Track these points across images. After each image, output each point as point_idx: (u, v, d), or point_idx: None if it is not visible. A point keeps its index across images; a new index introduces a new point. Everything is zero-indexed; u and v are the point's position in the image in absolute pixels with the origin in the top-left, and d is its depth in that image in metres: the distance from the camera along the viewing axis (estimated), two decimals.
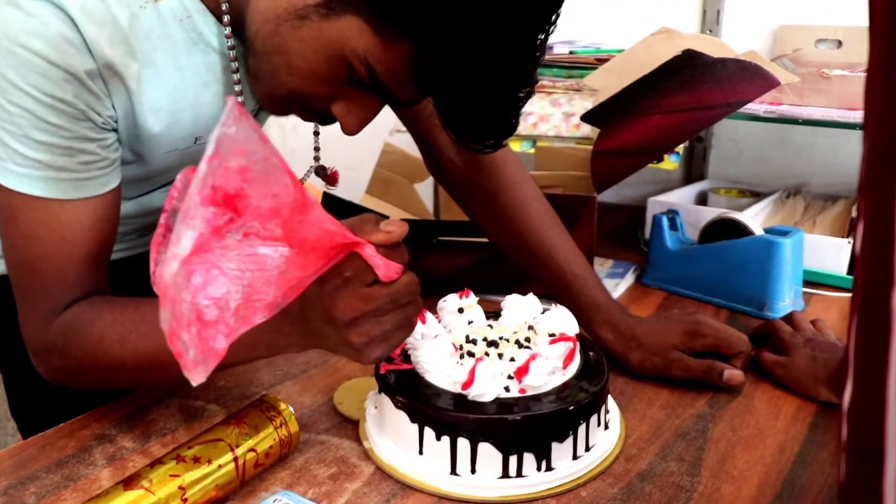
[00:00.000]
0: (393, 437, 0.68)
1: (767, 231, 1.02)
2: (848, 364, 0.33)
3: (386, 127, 1.35)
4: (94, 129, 0.64)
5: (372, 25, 0.60)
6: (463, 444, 0.64)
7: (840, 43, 1.37)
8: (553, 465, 0.65)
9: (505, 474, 0.64)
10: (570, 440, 0.65)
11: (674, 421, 0.75)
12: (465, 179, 0.93)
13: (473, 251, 1.05)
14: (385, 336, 0.59)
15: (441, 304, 0.77)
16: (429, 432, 0.65)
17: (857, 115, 1.15)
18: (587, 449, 0.67)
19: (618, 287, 1.10)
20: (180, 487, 0.58)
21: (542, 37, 0.62)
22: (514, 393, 0.66)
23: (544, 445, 0.64)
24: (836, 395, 0.77)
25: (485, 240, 0.98)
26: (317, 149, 0.85)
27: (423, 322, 0.72)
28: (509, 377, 0.67)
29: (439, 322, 0.74)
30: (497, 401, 0.65)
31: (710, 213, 1.15)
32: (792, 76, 1.08)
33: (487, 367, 0.65)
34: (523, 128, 1.31)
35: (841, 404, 0.33)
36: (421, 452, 0.66)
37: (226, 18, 0.68)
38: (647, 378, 0.83)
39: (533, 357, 0.67)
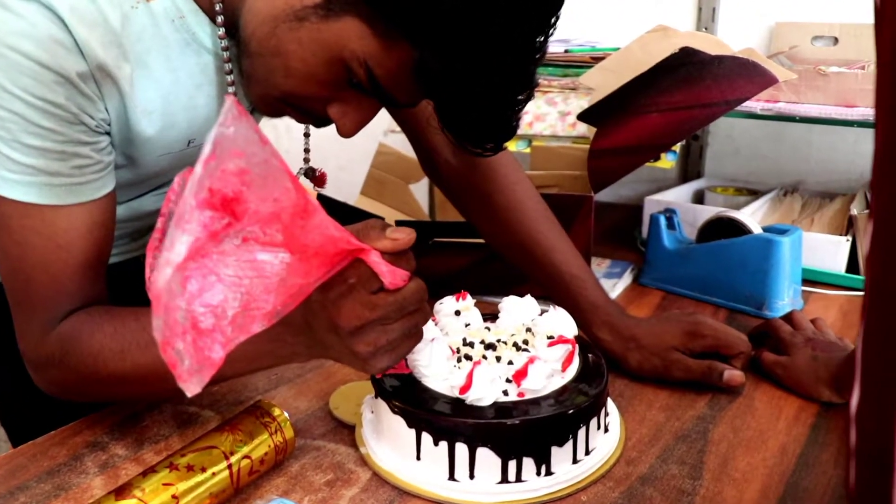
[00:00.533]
0: (390, 442, 0.67)
1: (766, 229, 1.01)
2: (855, 367, 0.32)
3: (380, 127, 1.34)
4: (88, 132, 0.63)
5: (372, 27, 0.59)
6: (461, 449, 0.63)
7: (836, 40, 1.36)
8: (553, 470, 0.64)
9: (504, 479, 0.63)
10: (569, 444, 0.64)
11: (674, 423, 0.75)
12: (461, 180, 0.92)
13: (470, 252, 1.04)
14: (392, 345, 0.57)
15: (438, 306, 0.76)
16: (426, 437, 0.64)
17: (854, 113, 1.15)
18: (587, 453, 0.67)
19: (615, 287, 1.09)
20: (174, 496, 0.57)
21: (542, 38, 0.61)
22: (513, 397, 0.65)
23: (544, 450, 0.63)
24: (838, 395, 0.76)
25: (481, 240, 0.97)
26: (307, 150, 0.84)
27: None
28: (508, 381, 0.66)
29: (436, 325, 0.73)
30: (495, 405, 0.64)
31: (707, 211, 1.15)
32: (790, 73, 1.08)
33: (485, 371, 0.64)
34: (519, 127, 1.30)
35: (849, 408, 0.33)
36: (419, 458, 0.65)
37: (220, 19, 0.66)
38: (647, 379, 0.82)
39: (531, 360, 0.66)
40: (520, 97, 0.63)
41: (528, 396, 0.65)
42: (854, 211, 1.12)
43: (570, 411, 0.64)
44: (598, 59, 1.21)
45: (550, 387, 0.67)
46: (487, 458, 0.63)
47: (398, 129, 0.95)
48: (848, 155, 1.43)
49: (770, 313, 0.98)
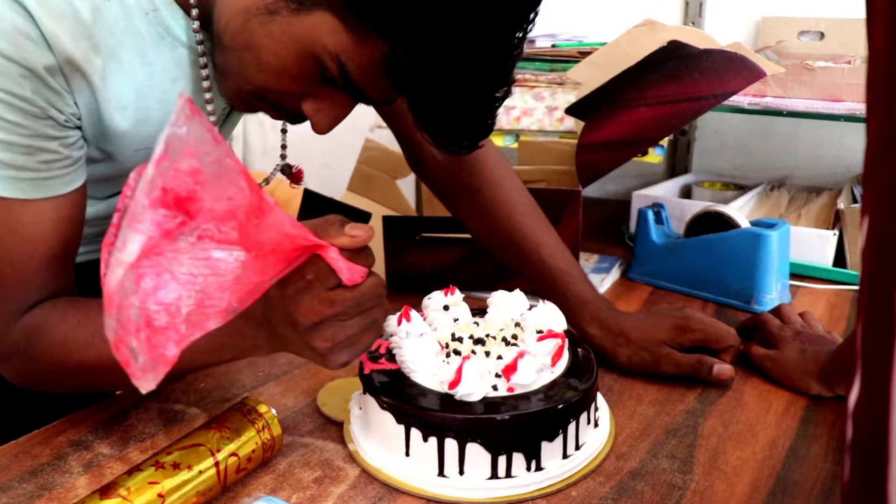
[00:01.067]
0: (379, 438, 0.67)
1: (753, 224, 1.01)
2: (855, 363, 0.32)
3: (367, 123, 1.34)
4: (56, 126, 0.62)
5: (344, 22, 0.58)
6: (451, 445, 0.62)
7: (822, 35, 1.37)
8: (543, 465, 0.64)
9: (494, 475, 0.63)
10: (559, 439, 0.64)
11: (664, 417, 0.74)
12: (447, 176, 0.91)
13: (458, 247, 1.04)
14: (350, 340, 0.58)
15: (426, 301, 0.75)
16: (415, 433, 0.63)
17: (841, 107, 1.15)
18: (577, 447, 0.66)
19: (604, 282, 1.09)
20: (159, 495, 0.56)
21: (520, 35, 0.60)
22: (502, 392, 0.65)
23: (534, 445, 0.63)
24: (827, 388, 0.77)
25: (469, 235, 0.96)
26: (283, 146, 0.84)
27: (408, 320, 0.70)
28: (497, 375, 0.66)
29: (424, 320, 0.73)
30: (485, 400, 0.64)
31: (695, 206, 1.15)
32: (778, 67, 1.08)
33: (475, 366, 0.64)
34: (506, 122, 1.30)
35: (846, 403, 0.32)
36: (408, 454, 0.64)
37: (194, 12, 0.65)
38: (636, 374, 0.82)
39: (521, 355, 0.65)
40: (497, 94, 0.62)
41: (517, 391, 0.65)
42: (841, 205, 1.13)
43: (560, 406, 0.64)
44: (585, 54, 1.21)
45: (540, 382, 0.66)
46: (477, 454, 0.62)
47: (384, 124, 0.94)
48: (834, 150, 1.43)
49: (758, 307, 0.98)
